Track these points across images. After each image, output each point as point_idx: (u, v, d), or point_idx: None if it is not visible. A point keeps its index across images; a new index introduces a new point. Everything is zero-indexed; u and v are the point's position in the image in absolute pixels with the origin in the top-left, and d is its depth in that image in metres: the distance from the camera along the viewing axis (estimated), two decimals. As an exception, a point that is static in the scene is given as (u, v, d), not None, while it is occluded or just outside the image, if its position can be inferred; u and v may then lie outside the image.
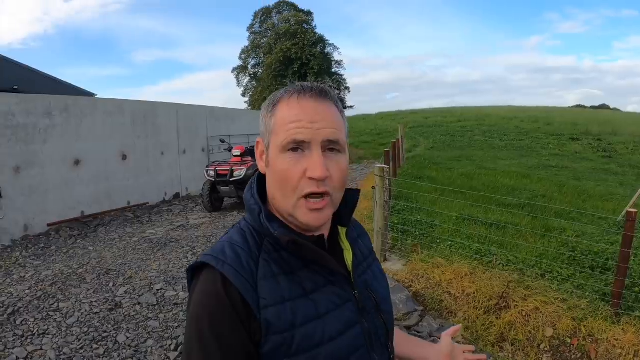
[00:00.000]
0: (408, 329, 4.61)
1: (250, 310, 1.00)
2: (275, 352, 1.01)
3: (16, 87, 14.67)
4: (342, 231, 1.25)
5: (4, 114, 8.55)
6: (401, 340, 1.50)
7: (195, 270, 1.10)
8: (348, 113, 48.49)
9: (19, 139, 8.77)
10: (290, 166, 1.05)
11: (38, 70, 19.30)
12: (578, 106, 73.60)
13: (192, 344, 1.02)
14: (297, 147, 1.05)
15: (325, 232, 1.19)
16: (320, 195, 1.07)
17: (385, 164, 6.68)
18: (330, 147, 1.08)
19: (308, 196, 1.06)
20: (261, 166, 1.17)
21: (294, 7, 53.36)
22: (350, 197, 1.22)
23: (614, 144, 25.48)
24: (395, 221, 7.44)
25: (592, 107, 71.95)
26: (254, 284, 1.03)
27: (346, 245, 1.24)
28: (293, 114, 1.07)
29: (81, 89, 20.86)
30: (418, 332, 4.58)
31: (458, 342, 4.48)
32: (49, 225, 9.27)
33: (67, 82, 20.46)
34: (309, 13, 53.25)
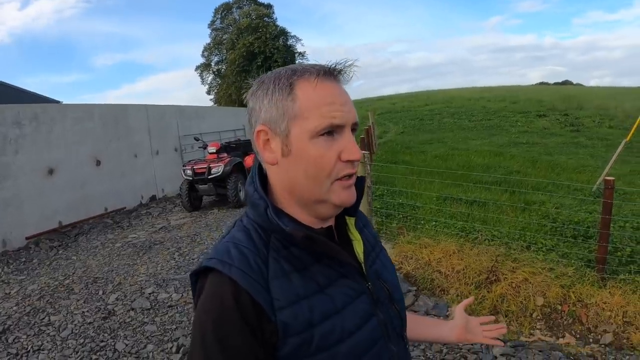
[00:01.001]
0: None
1: (264, 313, 0.96)
2: (295, 353, 0.98)
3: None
4: (351, 221, 1.21)
5: (-27, 126, 8.30)
6: (412, 323, 1.46)
7: (199, 275, 1.05)
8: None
9: (-12, 152, 8.57)
10: (325, 150, 1.01)
11: (2, 81, 18.90)
12: (542, 83, 74.94)
13: (196, 347, 0.98)
14: (332, 130, 1.01)
15: (332, 222, 1.17)
16: (350, 175, 1.05)
17: (361, 151, 6.72)
18: (353, 128, 1.06)
19: (342, 178, 1.04)
20: (269, 157, 1.07)
21: (254, 1, 52.96)
22: (358, 185, 1.15)
23: (580, 118, 26.05)
24: (378, 206, 7.50)
25: (556, 84, 73.46)
26: (265, 285, 0.99)
27: (355, 236, 1.20)
28: (325, 95, 1.02)
29: (45, 97, 20.53)
30: (415, 312, 4.64)
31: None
32: (27, 238, 9.05)
33: (30, 91, 20.13)
34: (269, 6, 52.92)
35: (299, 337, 0.97)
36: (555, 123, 25.14)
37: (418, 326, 1.50)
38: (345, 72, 1.08)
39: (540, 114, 28.39)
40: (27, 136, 9.34)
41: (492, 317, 1.67)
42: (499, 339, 1.57)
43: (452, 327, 1.52)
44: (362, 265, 1.16)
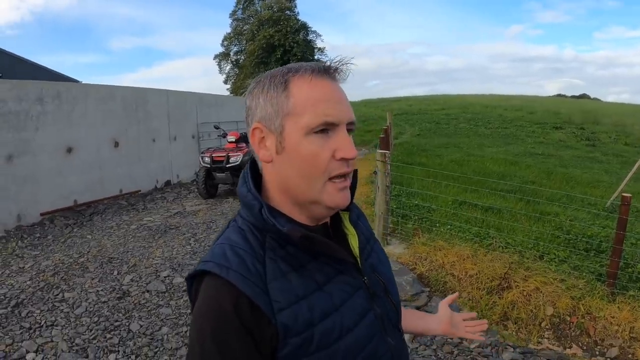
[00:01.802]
0: (417, 309, 4.69)
1: (263, 316, 0.95)
2: (295, 353, 0.97)
3: (0, 75, 14.46)
4: (345, 216, 1.22)
5: (-4, 101, 8.38)
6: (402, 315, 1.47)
7: (195, 279, 1.04)
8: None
9: (11, 126, 8.57)
10: (319, 148, 1.00)
11: (22, 57, 18.97)
12: (559, 95, 74.49)
13: (194, 352, 0.98)
14: (326, 128, 1.00)
15: (327, 218, 1.17)
16: (345, 174, 1.04)
17: (380, 150, 6.76)
18: (349, 127, 1.05)
19: (335, 177, 1.02)
20: (264, 154, 1.07)
21: (276, -7, 52.97)
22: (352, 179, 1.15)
23: (597, 133, 25.89)
24: (394, 206, 7.52)
25: (573, 97, 72.96)
26: (264, 287, 0.97)
27: (350, 230, 1.20)
28: (319, 94, 1.02)
29: (66, 76, 20.56)
30: (428, 312, 4.65)
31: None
32: (42, 214, 9.11)
33: (51, 69, 20.16)
34: (292, -1, 52.94)
35: (299, 337, 0.97)
36: (571, 136, 25.00)
37: (406, 318, 1.50)
38: (342, 71, 1.08)
39: (556, 126, 28.26)
40: (49, 114, 9.37)
41: (474, 314, 1.69)
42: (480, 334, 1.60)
43: (439, 322, 1.56)
44: (358, 259, 1.16)
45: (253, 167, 1.13)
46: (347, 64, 1.08)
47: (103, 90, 11.14)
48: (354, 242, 1.18)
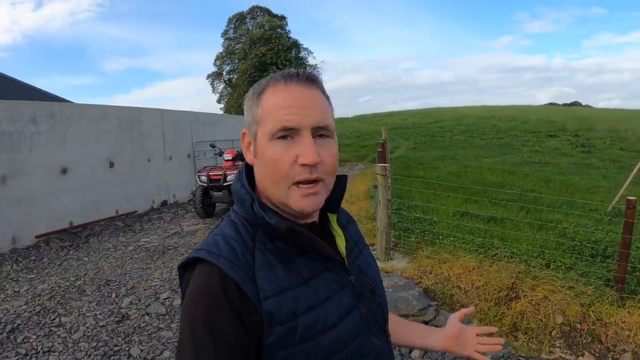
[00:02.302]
0: (426, 323, 4.60)
1: (250, 302, 0.99)
2: (279, 343, 1.00)
3: (-8, 96, 14.35)
4: (333, 218, 1.27)
5: (-11, 121, 8.30)
6: (398, 327, 1.51)
7: (187, 267, 1.09)
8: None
9: (4, 147, 8.48)
10: (281, 154, 1.05)
11: (14, 78, 18.82)
12: (551, 104, 74.98)
13: (185, 340, 1.00)
14: (286, 134, 1.05)
15: (316, 219, 1.20)
16: (313, 181, 1.06)
17: (379, 164, 6.71)
18: (320, 132, 1.08)
19: (300, 183, 1.06)
20: (249, 157, 1.16)
21: (267, 12, 53.17)
22: (338, 184, 1.21)
23: (591, 140, 26.10)
24: (395, 219, 7.44)
25: (565, 105, 73.53)
26: (252, 275, 1.02)
27: (338, 232, 1.26)
28: (280, 100, 1.07)
29: (59, 97, 20.44)
30: (436, 327, 4.55)
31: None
32: (37, 237, 8.98)
33: (44, 90, 20.01)
34: (283, 18, 53.06)
35: (283, 326, 1.00)
36: (566, 144, 25.22)
37: (406, 331, 1.53)
38: (311, 76, 1.13)
39: (551, 134, 28.52)
40: (43, 134, 9.29)
41: (493, 329, 1.64)
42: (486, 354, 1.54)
43: (441, 337, 1.53)
44: (345, 259, 1.20)
45: (248, 167, 1.20)
46: (313, 69, 1.13)
47: (97, 110, 11.06)
48: (341, 243, 1.24)
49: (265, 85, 1.11)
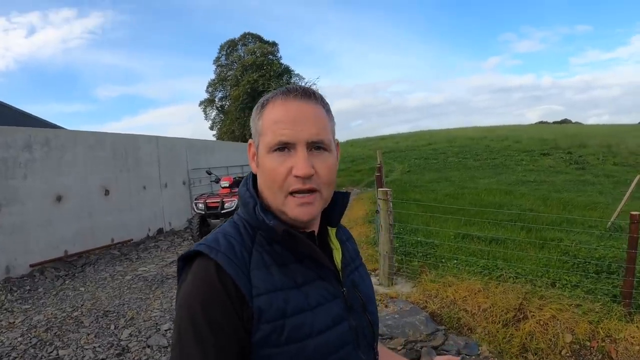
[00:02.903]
0: (435, 348, 4.53)
1: (243, 297, 1.03)
2: (266, 340, 1.03)
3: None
4: (332, 231, 1.31)
5: (-18, 148, 8.20)
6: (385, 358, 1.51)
7: (187, 260, 1.12)
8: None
9: (-1, 174, 8.45)
10: (277, 165, 1.10)
11: (7, 104, 18.69)
12: (541, 122, 75.57)
13: (184, 331, 1.03)
14: (283, 147, 1.10)
15: (315, 229, 1.23)
16: (308, 191, 1.11)
17: (380, 189, 6.67)
18: (316, 146, 1.12)
19: (295, 192, 1.10)
20: (253, 167, 1.22)
21: (259, 38, 53.57)
22: (341, 199, 1.28)
23: (584, 156, 26.24)
24: (397, 244, 7.38)
25: (555, 122, 74.19)
26: (247, 273, 1.06)
27: (336, 245, 1.29)
28: (278, 115, 1.12)
29: (53, 123, 20.37)
30: (446, 351, 4.53)
31: (486, 357, 4.46)
32: (31, 265, 8.83)
33: (38, 117, 19.90)
34: (274, 44, 53.44)
35: (271, 324, 1.04)
36: (560, 161, 25.39)
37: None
38: (310, 92, 1.17)
39: (544, 152, 28.69)
40: (37, 161, 9.23)
41: None
42: None
43: None
44: (340, 272, 1.24)
45: (255, 174, 1.24)
46: (312, 84, 1.13)
47: (92, 137, 11.02)
48: (337, 256, 1.27)
49: (268, 99, 1.17)
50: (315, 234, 1.23)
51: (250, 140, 1.23)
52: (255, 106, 1.21)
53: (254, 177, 1.24)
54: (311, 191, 1.11)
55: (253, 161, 1.22)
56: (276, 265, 1.11)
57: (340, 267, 1.25)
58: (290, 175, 1.09)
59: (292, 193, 1.10)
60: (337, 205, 1.26)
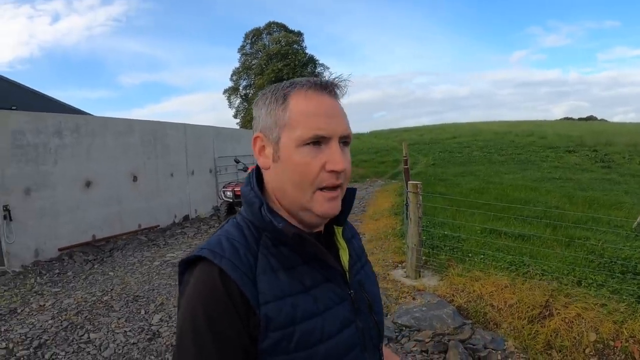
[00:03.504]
0: (462, 342, 4.55)
1: (249, 305, 1.00)
2: (274, 348, 1.01)
3: (14, 107, 14.42)
4: (338, 230, 1.28)
5: (14, 133, 8.36)
6: None
7: (188, 265, 1.10)
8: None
9: (29, 159, 8.57)
10: (310, 160, 1.07)
11: (36, 91, 18.94)
12: (566, 118, 74.47)
13: (185, 339, 1.01)
14: (317, 141, 1.08)
15: (321, 229, 1.23)
16: (337, 186, 1.11)
17: (410, 181, 6.68)
18: (344, 141, 1.12)
19: (324, 188, 1.09)
20: (263, 162, 1.16)
21: (284, 28, 53.62)
22: (348, 197, 1.23)
23: (610, 154, 25.74)
24: (424, 237, 7.40)
25: (580, 119, 73.06)
26: (253, 278, 1.03)
27: (342, 245, 1.27)
28: (311, 108, 1.09)
29: (80, 110, 20.57)
30: (473, 345, 4.54)
31: (511, 352, 4.48)
32: (60, 249, 9.03)
33: (65, 103, 20.10)
34: (299, 34, 53.52)
35: (280, 332, 1.02)
36: (585, 159, 24.93)
37: None
38: (339, 86, 1.16)
39: (569, 149, 28.16)
40: (68, 147, 9.41)
41: None
42: None
43: None
44: (347, 273, 1.22)
45: (258, 172, 1.22)
46: (344, 80, 1.16)
47: (121, 123, 11.16)
48: (344, 256, 1.25)
49: (291, 90, 1.13)
50: (322, 233, 1.23)
51: (257, 133, 1.17)
52: (267, 96, 1.16)
53: (258, 176, 1.22)
54: (338, 186, 1.11)
55: (262, 156, 1.16)
56: (283, 268, 1.08)
57: (347, 268, 1.23)
58: (323, 170, 1.08)
59: (320, 189, 1.09)
60: (345, 202, 1.22)
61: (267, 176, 1.17)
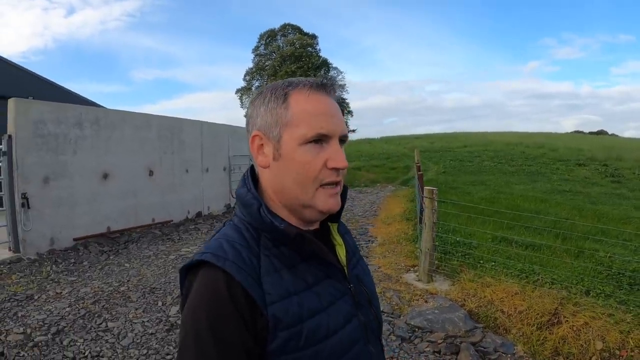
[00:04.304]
0: (473, 344, 4.65)
1: (256, 306, 1.00)
2: (283, 348, 1.01)
3: (31, 97, 14.60)
4: (333, 227, 1.31)
5: (36, 122, 8.47)
6: None
7: (190, 270, 1.08)
8: (351, 137, 48.53)
9: (49, 149, 8.69)
10: (312, 157, 1.09)
11: (52, 82, 19.10)
12: (577, 132, 74.02)
13: (188, 344, 1.00)
14: (318, 139, 1.10)
15: (317, 226, 1.25)
16: (337, 183, 1.13)
17: (427, 187, 6.78)
18: (342, 139, 1.15)
19: (326, 184, 1.11)
20: (262, 160, 1.16)
21: (299, 30, 53.64)
22: (343, 193, 1.24)
23: (620, 169, 25.63)
24: (437, 242, 7.50)
25: (591, 133, 72.58)
26: (258, 279, 1.03)
27: (338, 241, 1.30)
28: (315, 107, 1.12)
29: (96, 103, 20.65)
30: (483, 348, 4.63)
31: (520, 357, 4.58)
32: (75, 239, 9.16)
33: (81, 95, 20.16)
34: (314, 37, 53.51)
35: (288, 331, 1.02)
36: (595, 173, 24.81)
37: None
38: (337, 86, 1.19)
39: (579, 162, 28.04)
40: (87, 138, 9.52)
41: None
42: None
43: None
44: (345, 268, 1.24)
45: (253, 172, 1.23)
46: (336, 81, 1.20)
47: (140, 117, 11.28)
48: (341, 251, 1.27)
49: (291, 89, 1.14)
50: (318, 230, 1.25)
51: (256, 132, 1.16)
52: (265, 95, 1.17)
53: (252, 176, 1.22)
54: (338, 183, 1.14)
55: (261, 154, 1.16)
56: (286, 268, 1.09)
57: (344, 263, 1.25)
58: (325, 167, 1.10)
59: (322, 185, 1.11)
60: (341, 199, 1.23)
61: (265, 175, 1.17)
